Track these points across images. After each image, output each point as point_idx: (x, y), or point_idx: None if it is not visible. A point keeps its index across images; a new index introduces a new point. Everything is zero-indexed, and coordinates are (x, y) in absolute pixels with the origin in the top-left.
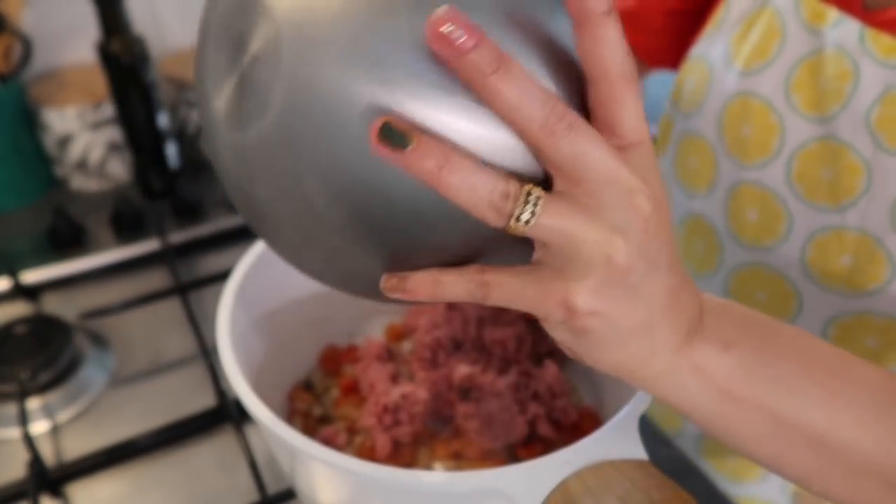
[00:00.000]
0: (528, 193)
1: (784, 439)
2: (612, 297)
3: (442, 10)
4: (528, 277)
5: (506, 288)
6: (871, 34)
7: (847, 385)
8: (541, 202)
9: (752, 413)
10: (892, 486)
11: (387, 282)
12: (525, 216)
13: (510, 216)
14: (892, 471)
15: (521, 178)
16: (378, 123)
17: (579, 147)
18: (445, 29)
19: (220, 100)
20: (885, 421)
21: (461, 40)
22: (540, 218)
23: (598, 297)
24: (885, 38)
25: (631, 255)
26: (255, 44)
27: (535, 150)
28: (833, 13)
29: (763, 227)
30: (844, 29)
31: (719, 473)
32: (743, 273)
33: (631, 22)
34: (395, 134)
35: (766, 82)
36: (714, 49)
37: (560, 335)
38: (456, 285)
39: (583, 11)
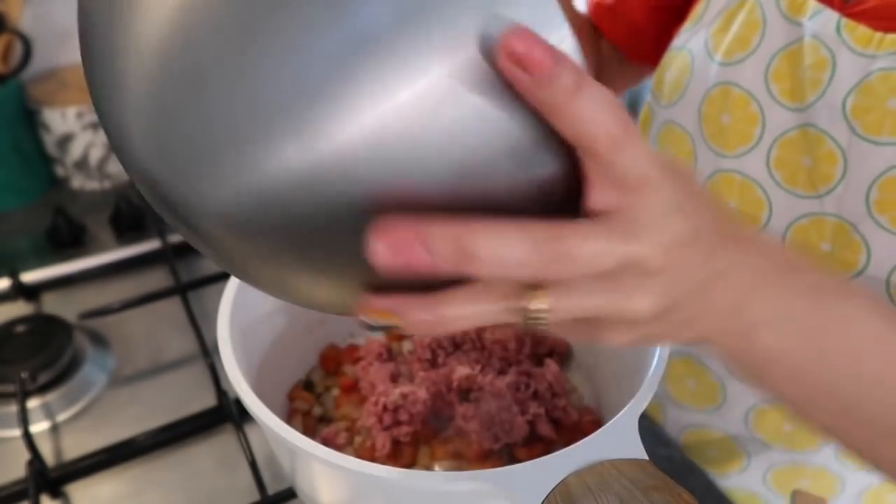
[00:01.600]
0: (530, 314)
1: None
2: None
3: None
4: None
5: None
6: (848, 24)
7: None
8: (545, 314)
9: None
10: None
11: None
12: (542, 322)
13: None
14: None
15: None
16: (363, 318)
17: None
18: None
19: None
20: None
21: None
22: (556, 315)
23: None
24: (861, 29)
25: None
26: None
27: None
28: (812, 4)
29: (742, 215)
30: (822, 19)
31: (701, 465)
32: None
33: (613, 16)
34: (380, 325)
35: (747, 72)
36: (694, 41)
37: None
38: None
39: (551, 101)
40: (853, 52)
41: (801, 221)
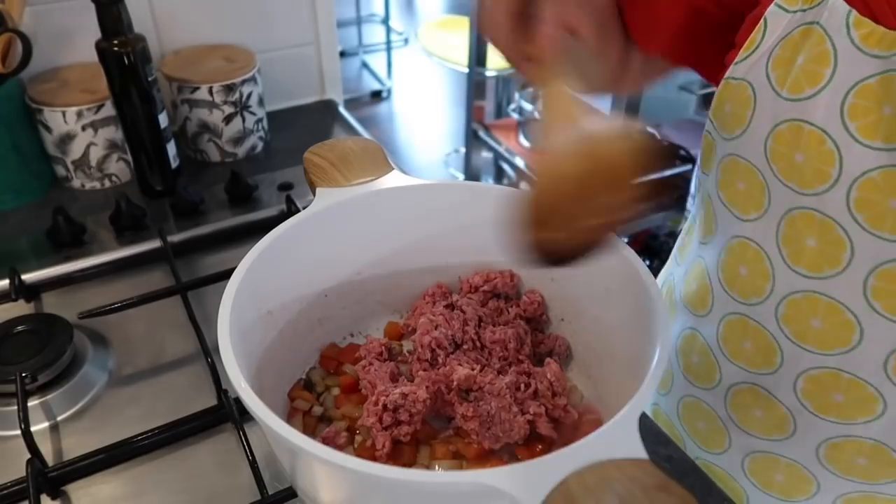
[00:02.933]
0: None
1: None
2: None
3: None
4: None
5: None
6: None
7: None
8: None
9: None
10: None
11: None
12: None
13: None
14: None
15: None
16: None
17: None
18: None
19: None
20: None
21: None
22: None
23: None
24: None
25: None
26: None
27: None
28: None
29: (822, 255)
30: None
31: (691, 438)
32: (798, 301)
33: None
34: None
35: (819, 109)
36: (754, 72)
37: None
38: None
39: None
40: None
41: (887, 266)
